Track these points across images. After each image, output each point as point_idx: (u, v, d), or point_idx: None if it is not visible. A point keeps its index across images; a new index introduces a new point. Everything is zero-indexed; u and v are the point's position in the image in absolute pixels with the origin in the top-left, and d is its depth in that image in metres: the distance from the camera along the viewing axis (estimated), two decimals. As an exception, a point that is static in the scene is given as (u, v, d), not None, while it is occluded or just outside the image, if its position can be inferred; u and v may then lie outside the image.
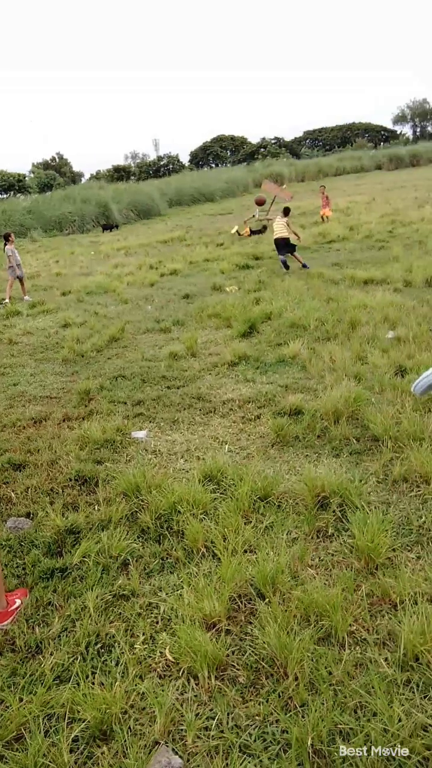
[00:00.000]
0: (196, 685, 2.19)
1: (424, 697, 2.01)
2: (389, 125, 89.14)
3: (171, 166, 72.25)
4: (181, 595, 2.63)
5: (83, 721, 2.05)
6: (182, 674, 2.23)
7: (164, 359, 6.19)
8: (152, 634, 2.45)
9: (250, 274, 10.71)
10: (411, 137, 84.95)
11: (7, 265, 11.18)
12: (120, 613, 2.59)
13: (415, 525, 2.99)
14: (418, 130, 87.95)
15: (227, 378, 5.46)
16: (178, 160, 75.48)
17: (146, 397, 5.15)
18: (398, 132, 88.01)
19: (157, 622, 2.52)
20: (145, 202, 31.99)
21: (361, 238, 13.76)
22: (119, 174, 65.98)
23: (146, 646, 2.38)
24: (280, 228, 11.23)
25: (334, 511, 3.13)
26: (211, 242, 16.22)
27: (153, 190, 34.55)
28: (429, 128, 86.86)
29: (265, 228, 18.50)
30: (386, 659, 2.19)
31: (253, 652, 2.29)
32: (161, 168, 71.98)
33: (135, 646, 2.38)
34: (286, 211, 11.71)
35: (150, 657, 2.33)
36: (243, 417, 4.57)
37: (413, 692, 2.03)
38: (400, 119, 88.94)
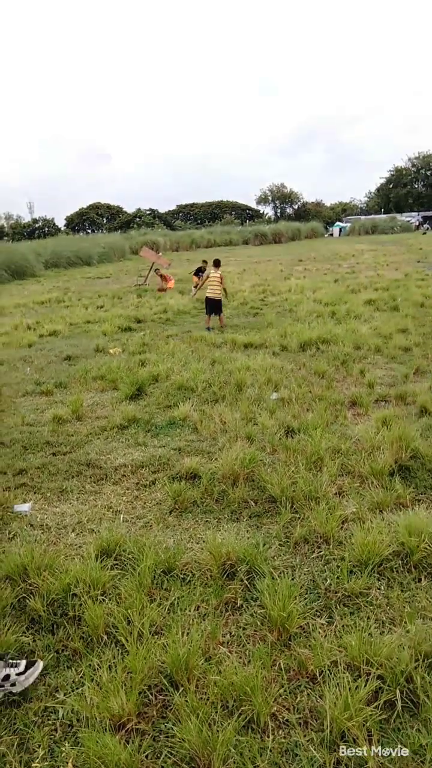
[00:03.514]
0: (107, 804, 1.88)
1: (357, 780, 1.90)
2: (253, 205, 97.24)
3: (46, 229, 71.75)
4: (82, 693, 2.31)
5: None
6: (89, 793, 1.91)
7: (47, 423, 5.80)
8: (51, 745, 2.10)
9: (133, 336, 10.65)
10: (273, 217, 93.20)
11: None
12: (10, 724, 2.20)
13: (321, 588, 2.96)
14: (279, 210, 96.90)
15: (117, 442, 5.23)
16: (54, 224, 75.29)
17: (29, 466, 4.74)
18: (261, 211, 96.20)
19: (56, 730, 2.17)
20: (19, 263, 31.06)
21: (237, 304, 14.43)
22: (-9, 234, 63.99)
23: (45, 762, 2.03)
24: (215, 284, 11.27)
25: (241, 580, 3.01)
26: (91, 304, 16.03)
27: (28, 251, 33.76)
28: (288, 210, 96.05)
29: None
30: (312, 740, 2.06)
31: (170, 752, 2.04)
32: (36, 230, 71.17)
33: (32, 764, 2.01)
34: (218, 263, 11.77)
35: (50, 777, 1.98)
36: (137, 483, 4.35)
37: (345, 775, 1.92)
38: (262, 200, 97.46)
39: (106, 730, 2.12)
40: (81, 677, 2.40)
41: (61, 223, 79.02)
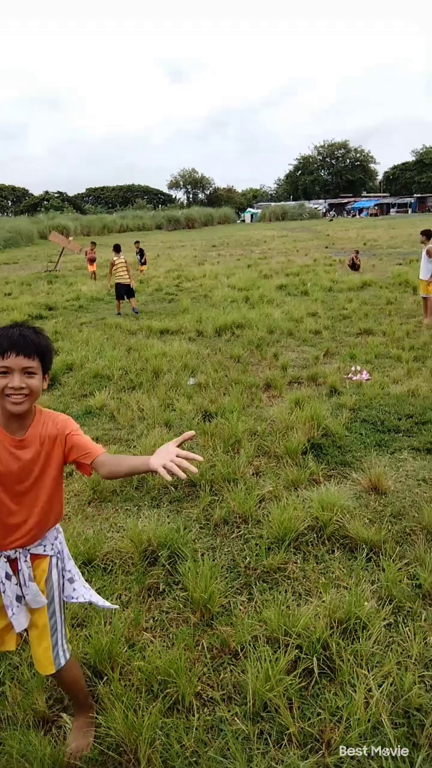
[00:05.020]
0: (32, 802, 1.84)
1: (279, 746, 1.98)
2: (165, 189, 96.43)
3: None
4: (3, 693, 2.22)
5: None
6: (13, 794, 1.86)
7: None
8: (-30, 752, 2.01)
9: (44, 324, 10.26)
10: (185, 202, 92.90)
11: None
12: None
13: (241, 566, 3.03)
14: (191, 196, 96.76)
15: (30, 435, 5.04)
16: None
17: None
18: (173, 196, 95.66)
19: (-24, 735, 2.08)
20: None
21: (152, 290, 14.32)
22: None
23: (-37, 770, 1.94)
24: (123, 270, 11.23)
25: (163, 565, 3.02)
26: (-3, 292, 15.25)
27: None
28: (200, 195, 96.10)
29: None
30: (236, 714, 2.12)
31: (96, 741, 2.02)
32: None
33: None
34: (118, 248, 11.73)
35: (-31, 784, 1.90)
36: (53, 476, 4.22)
37: (268, 744, 1.99)
38: (173, 185, 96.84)
39: (30, 727, 2.06)
40: (1, 676, 2.32)
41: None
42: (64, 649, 1.90)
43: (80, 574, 2.06)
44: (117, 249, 11.77)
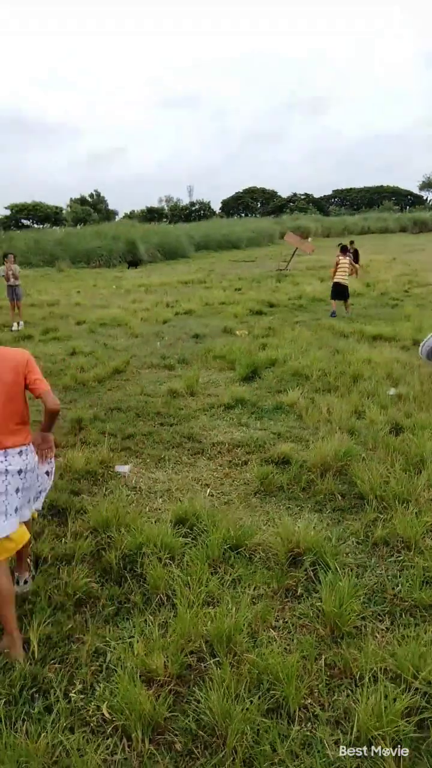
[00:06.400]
0: (128, 746, 2.01)
1: (372, 791, 1.82)
2: (416, 191, 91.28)
3: (202, 212, 74.42)
4: (131, 644, 2.46)
5: (-3, 775, 1.88)
6: (115, 732, 2.06)
7: (162, 395, 6.13)
8: (92, 683, 2.29)
9: (262, 320, 10.73)
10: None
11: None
12: (64, 656, 2.44)
13: (389, 593, 2.81)
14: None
15: (221, 420, 5.37)
16: (210, 207, 77.78)
17: (137, 432, 5.06)
18: (424, 197, 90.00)
19: (101, 671, 2.36)
20: (172, 244, 32.69)
21: (377, 295, 13.83)
22: (152, 215, 68.17)
23: (83, 695, 2.22)
24: (344, 270, 11.37)
25: (306, 570, 2.97)
26: (230, 286, 16.41)
27: (182, 233, 35.43)
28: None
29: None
30: (337, 741, 2.00)
31: (194, 716, 2.11)
32: (192, 213, 74.15)
33: (70, 694, 2.22)
34: (345, 249, 11.89)
35: (85, 708, 2.17)
36: (230, 461, 4.45)
37: (360, 783, 1.84)
38: (426, 186, 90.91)
39: (140, 682, 2.23)
40: (133, 630, 2.56)
41: (216, 206, 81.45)
42: None
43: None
44: (344, 250, 11.76)
